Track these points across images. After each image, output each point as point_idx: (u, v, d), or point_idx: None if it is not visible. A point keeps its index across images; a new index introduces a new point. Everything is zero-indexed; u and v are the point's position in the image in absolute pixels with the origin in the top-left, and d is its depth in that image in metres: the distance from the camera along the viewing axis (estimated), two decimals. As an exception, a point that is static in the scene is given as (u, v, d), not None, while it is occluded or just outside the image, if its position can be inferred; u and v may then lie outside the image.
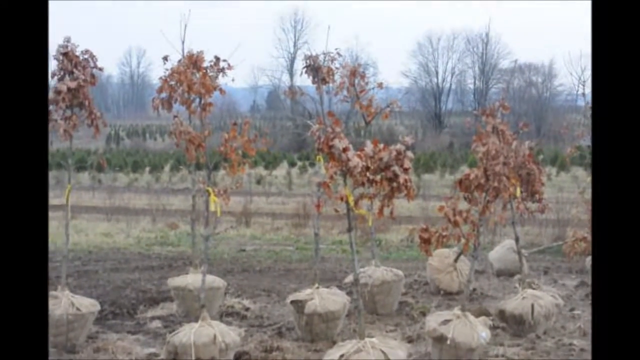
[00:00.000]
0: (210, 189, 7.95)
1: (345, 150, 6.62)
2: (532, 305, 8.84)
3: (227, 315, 9.90)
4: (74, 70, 8.41)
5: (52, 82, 8.46)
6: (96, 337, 8.82)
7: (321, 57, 9.65)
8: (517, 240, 9.88)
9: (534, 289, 9.47)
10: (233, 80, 9.62)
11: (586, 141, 12.87)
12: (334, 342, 8.14)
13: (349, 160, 6.59)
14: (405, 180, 6.70)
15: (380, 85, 10.98)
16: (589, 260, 11.78)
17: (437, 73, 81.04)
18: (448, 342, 7.52)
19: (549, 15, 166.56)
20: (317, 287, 8.96)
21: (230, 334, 7.68)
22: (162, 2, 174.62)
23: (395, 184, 6.70)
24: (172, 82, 8.87)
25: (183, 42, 9.67)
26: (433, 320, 7.87)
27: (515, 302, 8.99)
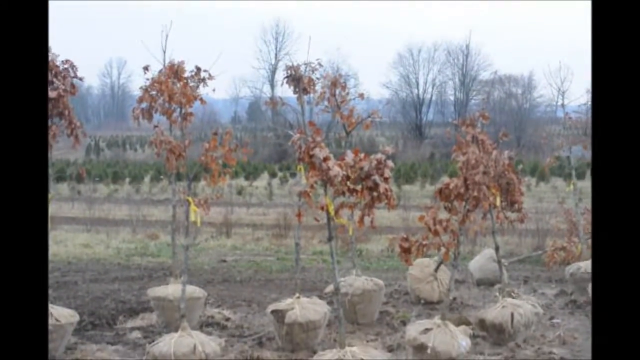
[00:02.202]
0: (190, 199, 7.93)
1: (325, 159, 6.64)
2: (512, 314, 8.88)
3: (207, 325, 9.86)
4: (54, 80, 8.35)
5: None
6: (75, 348, 8.75)
7: (302, 67, 9.69)
8: (497, 249, 9.92)
9: (513, 298, 9.51)
10: (214, 90, 9.63)
11: (565, 152, 12.96)
12: (315, 352, 8.13)
13: (329, 169, 6.60)
14: (386, 190, 6.72)
15: (361, 95, 11.02)
16: (568, 269, 11.85)
17: (417, 84, 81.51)
18: (428, 351, 7.53)
19: (529, 27, 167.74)
20: (298, 297, 8.96)
21: (210, 344, 7.65)
22: (143, 14, 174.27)
23: (375, 193, 6.72)
24: (153, 92, 8.86)
25: (164, 52, 9.67)
26: (413, 330, 7.88)
27: (495, 311, 9.02)
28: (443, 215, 7.75)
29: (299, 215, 8.02)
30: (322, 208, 6.82)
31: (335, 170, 6.61)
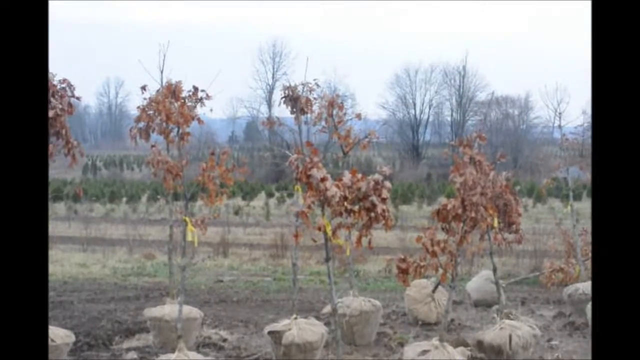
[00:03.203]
0: (187, 219, 7.92)
1: (323, 179, 6.64)
2: (510, 336, 8.84)
3: (204, 346, 9.81)
4: (52, 99, 8.32)
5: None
6: (71, 368, 8.71)
7: (300, 88, 9.70)
8: (494, 270, 9.90)
9: (511, 319, 9.47)
10: (211, 110, 9.62)
11: (562, 173, 12.96)
12: (312, 373, 8.11)
13: (327, 189, 6.60)
14: (383, 210, 6.72)
15: (358, 116, 11.02)
16: (566, 290, 11.83)
17: (414, 105, 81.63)
18: (426, 372, 7.49)
19: (526, 48, 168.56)
20: (295, 318, 8.91)
21: (207, 365, 7.62)
22: (141, 33, 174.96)
23: (373, 214, 6.72)
24: (151, 112, 8.85)
25: (162, 72, 9.66)
26: (411, 351, 7.85)
27: (493, 333, 8.99)
28: (440, 236, 7.74)
29: (296, 235, 8.00)
30: (320, 228, 6.81)
31: (333, 190, 6.61)
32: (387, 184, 6.84)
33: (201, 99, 9.33)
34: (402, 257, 7.78)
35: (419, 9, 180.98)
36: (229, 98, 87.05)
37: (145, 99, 9.10)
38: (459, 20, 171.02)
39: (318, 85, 10.00)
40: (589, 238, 13.02)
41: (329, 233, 6.83)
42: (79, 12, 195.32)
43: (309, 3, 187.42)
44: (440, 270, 7.74)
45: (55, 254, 19.83)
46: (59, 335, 8.43)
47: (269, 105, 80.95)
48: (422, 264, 7.65)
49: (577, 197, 35.46)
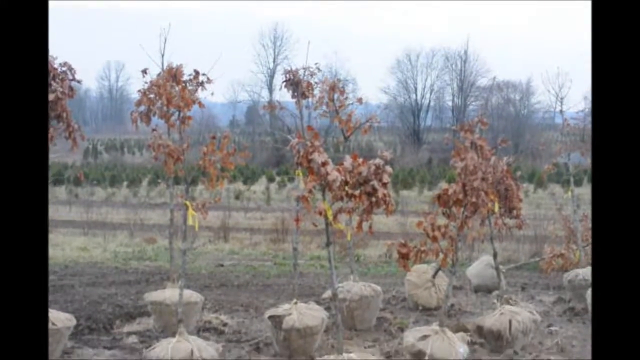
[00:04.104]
0: (188, 203, 7.91)
1: (324, 164, 6.62)
2: (510, 321, 8.85)
3: (204, 330, 9.83)
4: (52, 82, 8.31)
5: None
6: (72, 352, 8.72)
7: (301, 72, 9.67)
8: (495, 256, 9.91)
9: (511, 304, 9.49)
10: (212, 94, 9.58)
11: (563, 158, 12.93)
12: (312, 358, 8.13)
13: (327, 174, 6.59)
14: (384, 195, 6.71)
15: (359, 100, 10.97)
16: (566, 276, 11.84)
17: (415, 90, 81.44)
18: (426, 357, 7.51)
19: (528, 32, 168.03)
20: (296, 303, 8.92)
21: (207, 349, 7.63)
22: (142, 17, 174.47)
23: (374, 199, 6.71)
24: (152, 95, 8.82)
25: (163, 56, 9.64)
26: (411, 336, 7.86)
27: (493, 318, 9.00)
28: (441, 221, 7.73)
29: (297, 220, 7.99)
30: (320, 213, 6.80)
31: (334, 175, 6.59)
32: (388, 168, 6.82)
33: (202, 82, 9.29)
34: (403, 242, 7.76)
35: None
36: (230, 82, 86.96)
37: (146, 82, 9.07)
38: (461, 5, 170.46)
39: (319, 70, 9.97)
40: (589, 224, 13.02)
41: (330, 218, 6.82)
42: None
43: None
44: (441, 255, 7.74)
45: (56, 237, 19.86)
46: (59, 319, 8.45)
47: (270, 89, 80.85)
48: (422, 249, 7.64)
49: (578, 183, 35.40)
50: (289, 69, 9.76)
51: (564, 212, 16.79)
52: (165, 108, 8.56)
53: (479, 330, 9.07)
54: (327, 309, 9.65)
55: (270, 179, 45.19)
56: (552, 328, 10.20)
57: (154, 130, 8.24)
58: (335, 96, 10.09)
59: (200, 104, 8.97)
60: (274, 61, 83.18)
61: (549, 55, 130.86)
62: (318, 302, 10.11)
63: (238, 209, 28.27)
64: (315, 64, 9.91)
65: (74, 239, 20.30)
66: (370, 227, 6.95)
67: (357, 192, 6.76)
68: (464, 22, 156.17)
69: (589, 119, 12.50)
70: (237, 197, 33.40)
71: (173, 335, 7.78)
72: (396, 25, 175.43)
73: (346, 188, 6.71)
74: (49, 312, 8.41)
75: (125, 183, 41.86)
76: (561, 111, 13.55)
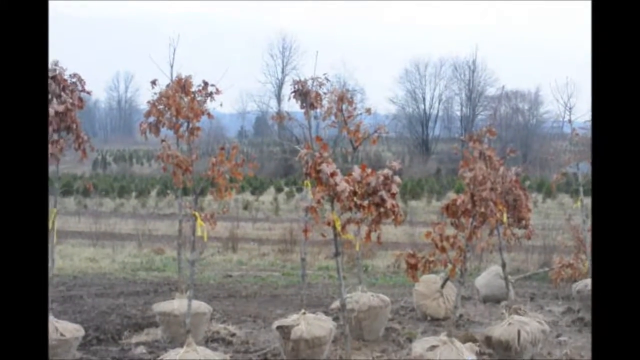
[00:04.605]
0: (197, 214, 7.92)
1: (332, 174, 6.63)
2: (519, 332, 8.82)
3: (212, 340, 9.83)
4: (62, 93, 8.36)
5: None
6: (80, 362, 8.74)
7: (309, 82, 9.69)
8: (503, 266, 9.88)
9: (520, 315, 9.45)
10: (221, 105, 9.61)
11: (572, 168, 12.92)
12: (321, 368, 8.11)
13: (336, 184, 6.60)
14: (393, 205, 6.71)
15: (368, 110, 10.97)
16: (575, 286, 11.80)
17: (424, 99, 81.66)
18: (435, 368, 7.48)
19: (536, 42, 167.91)
20: (304, 313, 8.92)
21: (215, 360, 7.62)
22: (151, 28, 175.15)
23: (382, 209, 6.72)
24: (161, 106, 8.85)
25: (172, 66, 9.67)
26: (419, 346, 7.83)
27: (502, 328, 8.97)
28: (450, 231, 7.72)
29: (305, 230, 8.00)
30: (329, 223, 6.81)
31: (343, 185, 6.60)
32: (397, 178, 6.83)
33: (211, 93, 9.32)
34: (411, 252, 7.75)
35: (429, 2, 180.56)
36: (238, 92, 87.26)
37: (155, 93, 9.10)
38: (469, 14, 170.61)
39: (328, 80, 9.99)
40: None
41: (338, 228, 6.83)
42: (88, 6, 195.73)
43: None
44: (449, 266, 7.71)
45: (64, 248, 19.92)
46: (68, 329, 8.47)
47: (279, 99, 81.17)
48: (431, 259, 7.63)
49: (587, 193, 35.27)
50: (298, 79, 9.78)
51: (573, 222, 16.76)
52: (174, 119, 8.59)
53: (488, 340, 9.04)
54: (335, 319, 9.64)
55: (279, 190, 45.25)
56: (561, 338, 10.17)
57: (162, 141, 8.25)
58: (344, 106, 10.09)
59: (209, 115, 9.00)
60: (282, 71, 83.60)
61: (558, 64, 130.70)
62: (326, 313, 10.10)
63: (246, 219, 28.31)
64: (324, 74, 9.93)
65: (82, 249, 20.34)
66: (378, 237, 6.95)
67: (365, 203, 6.77)
68: (473, 32, 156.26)
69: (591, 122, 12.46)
70: (245, 208, 33.45)
71: (181, 345, 7.77)
72: (404, 35, 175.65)
73: (355, 198, 6.72)
74: (57, 322, 8.44)
75: (133, 194, 41.99)
76: (570, 121, 13.54)
